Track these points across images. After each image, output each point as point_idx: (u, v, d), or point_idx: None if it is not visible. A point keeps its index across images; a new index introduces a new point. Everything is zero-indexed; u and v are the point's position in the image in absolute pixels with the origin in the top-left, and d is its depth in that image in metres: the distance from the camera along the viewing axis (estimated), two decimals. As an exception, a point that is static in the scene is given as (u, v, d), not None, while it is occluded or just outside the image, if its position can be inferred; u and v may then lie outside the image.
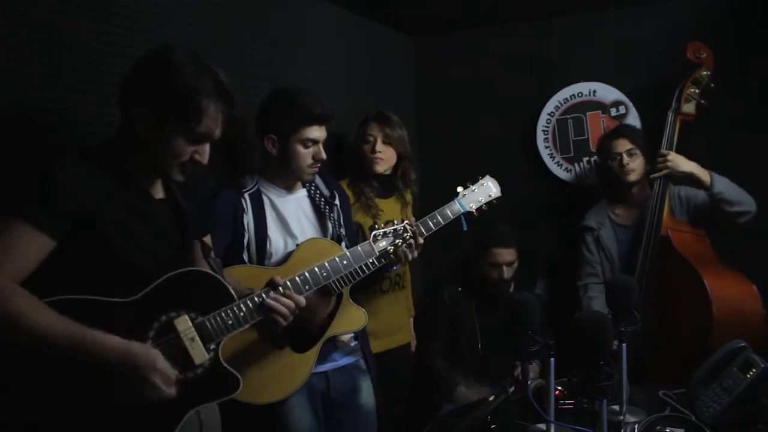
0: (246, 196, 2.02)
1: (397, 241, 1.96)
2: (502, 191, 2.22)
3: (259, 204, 2.04)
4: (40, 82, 1.68)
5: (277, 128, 2.03)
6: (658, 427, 1.69)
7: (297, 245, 2.03)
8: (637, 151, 2.68)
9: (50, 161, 1.38)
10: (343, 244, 2.14)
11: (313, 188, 2.18)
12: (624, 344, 1.73)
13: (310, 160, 2.03)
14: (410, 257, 2.02)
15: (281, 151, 2.03)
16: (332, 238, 2.13)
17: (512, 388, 1.83)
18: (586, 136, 3.30)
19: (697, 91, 2.64)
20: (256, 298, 1.62)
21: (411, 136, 2.77)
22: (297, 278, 1.74)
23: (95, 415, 1.36)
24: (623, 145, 2.69)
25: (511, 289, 2.86)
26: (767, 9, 2.86)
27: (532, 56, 3.40)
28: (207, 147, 1.47)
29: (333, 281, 1.95)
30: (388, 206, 2.68)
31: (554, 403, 1.64)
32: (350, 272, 1.94)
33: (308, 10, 2.79)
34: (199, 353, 1.46)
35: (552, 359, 1.59)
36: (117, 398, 1.36)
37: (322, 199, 2.17)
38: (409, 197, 2.79)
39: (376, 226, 1.97)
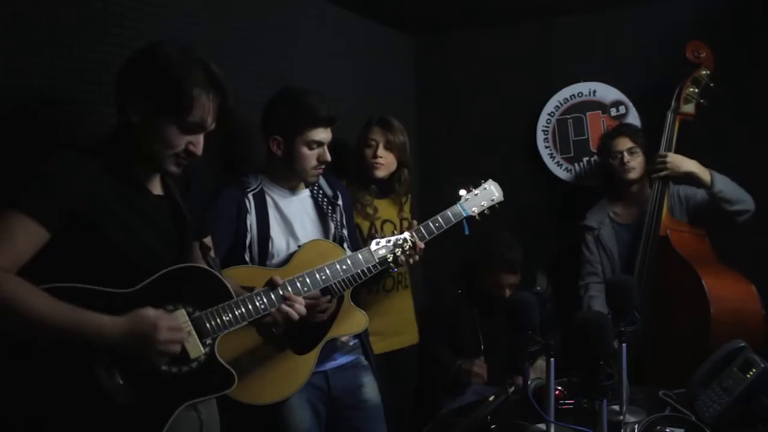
0: (250, 196, 2.02)
1: (396, 250, 1.96)
2: (488, 180, 2.21)
3: (262, 204, 2.04)
4: (40, 82, 1.68)
5: (283, 129, 2.02)
6: (658, 427, 1.68)
7: (299, 246, 2.03)
8: (638, 150, 2.69)
9: (48, 153, 1.39)
10: (345, 245, 2.14)
11: (316, 188, 2.18)
12: (624, 344, 1.73)
13: (314, 162, 2.03)
14: (411, 261, 2.02)
15: (286, 152, 2.03)
16: (334, 239, 2.13)
17: (512, 388, 1.83)
18: (586, 136, 3.30)
19: (696, 90, 2.64)
20: (255, 297, 1.63)
21: (411, 136, 2.77)
22: (296, 281, 1.74)
23: (87, 407, 1.36)
24: (624, 144, 2.70)
25: None
26: (767, 8, 2.86)
27: (532, 56, 3.40)
28: (201, 138, 1.48)
29: (335, 284, 1.95)
30: (384, 207, 2.69)
31: (554, 403, 1.64)
32: (351, 276, 1.95)
33: (308, 10, 2.79)
34: (195, 347, 1.46)
35: (552, 359, 1.59)
36: (117, 380, 1.36)
37: (325, 200, 2.17)
38: (405, 202, 2.79)
39: (375, 234, 1.98)
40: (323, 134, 2.03)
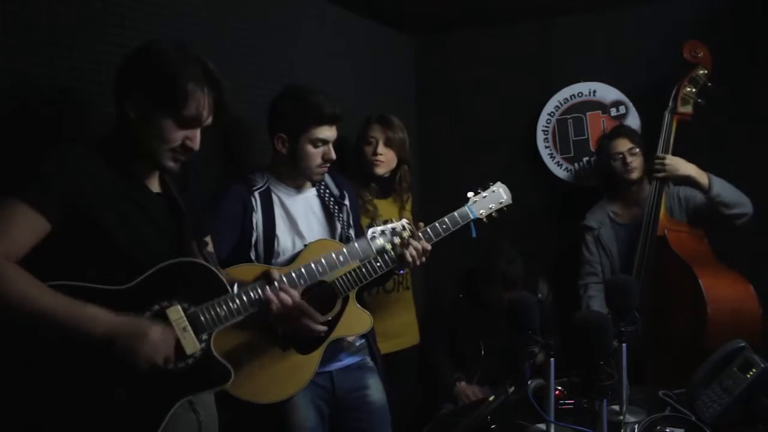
0: (256, 194, 2.02)
1: (395, 238, 1.94)
2: (496, 183, 2.18)
3: (268, 203, 2.04)
4: (40, 82, 1.68)
5: (288, 127, 2.02)
6: (658, 427, 1.68)
7: (305, 245, 2.03)
8: (637, 150, 2.70)
9: (49, 148, 1.40)
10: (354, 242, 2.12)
11: (322, 188, 2.17)
12: (624, 344, 1.72)
13: (319, 160, 2.03)
14: (418, 262, 1.99)
15: (291, 150, 2.03)
16: (340, 239, 2.12)
17: (512, 388, 1.83)
18: (586, 136, 3.30)
19: (694, 90, 2.63)
20: (250, 291, 1.62)
21: (411, 136, 2.78)
22: (292, 273, 1.74)
23: (83, 404, 1.36)
24: (623, 145, 2.71)
25: None
26: (767, 8, 2.86)
27: (532, 56, 3.39)
28: (197, 133, 1.48)
29: (340, 284, 1.96)
30: (385, 207, 2.69)
31: (554, 403, 1.63)
32: (357, 276, 1.95)
33: (308, 10, 2.79)
34: (191, 343, 1.46)
35: (552, 359, 1.59)
36: (113, 373, 1.36)
37: (332, 199, 2.16)
38: (407, 200, 2.79)
39: (374, 224, 1.97)
40: (328, 132, 2.02)
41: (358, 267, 1.97)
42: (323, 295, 1.96)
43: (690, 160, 2.56)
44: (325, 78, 2.82)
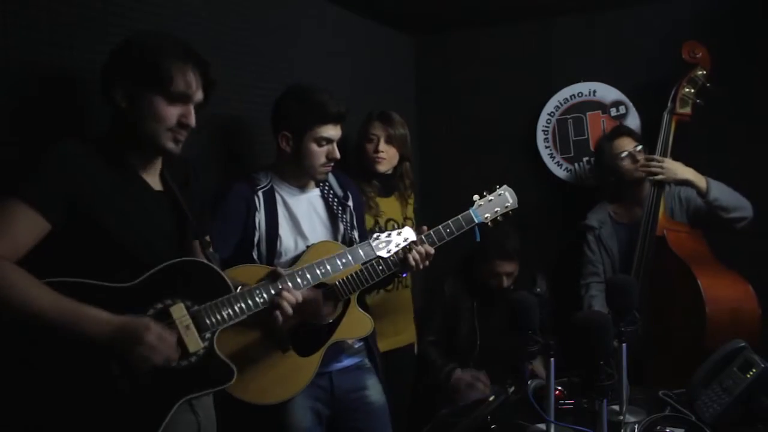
0: (259, 193, 2.02)
1: (398, 250, 1.92)
2: (503, 186, 2.16)
3: (271, 202, 2.03)
4: (40, 82, 1.68)
5: (292, 126, 2.02)
6: (658, 427, 1.69)
7: (307, 246, 2.03)
8: (640, 147, 2.69)
9: (50, 145, 1.40)
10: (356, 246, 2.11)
11: (326, 188, 2.17)
12: (624, 344, 1.72)
13: (323, 159, 2.03)
14: (421, 266, 1.99)
15: (295, 149, 2.02)
16: (343, 240, 2.12)
17: (512, 388, 1.83)
18: (586, 136, 3.30)
19: (692, 91, 2.63)
20: (254, 291, 1.62)
21: (411, 136, 2.77)
22: (296, 275, 1.74)
23: (85, 402, 1.36)
24: (629, 143, 2.71)
25: (511, 287, 2.87)
26: (767, 8, 2.86)
27: (532, 56, 3.40)
28: (191, 108, 1.50)
29: (341, 287, 1.95)
30: (389, 205, 2.68)
31: (554, 403, 1.64)
32: (359, 279, 1.95)
33: (308, 10, 2.79)
34: (194, 341, 1.46)
35: (552, 359, 1.59)
36: (115, 372, 1.37)
37: (335, 200, 2.16)
38: (410, 197, 2.79)
39: (378, 229, 1.96)
40: (332, 131, 2.02)
41: (360, 270, 1.96)
42: (324, 297, 1.96)
43: (689, 160, 2.56)
44: (325, 78, 2.82)
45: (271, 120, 2.09)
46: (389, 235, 1.91)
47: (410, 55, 3.68)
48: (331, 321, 1.99)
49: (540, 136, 3.38)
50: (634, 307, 1.73)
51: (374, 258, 1.90)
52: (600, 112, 3.27)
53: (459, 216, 2.06)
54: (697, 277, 2.32)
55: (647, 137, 2.76)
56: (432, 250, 2.00)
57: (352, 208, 2.20)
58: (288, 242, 2.03)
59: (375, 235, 1.90)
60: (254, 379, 1.88)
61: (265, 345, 1.92)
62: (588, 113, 3.29)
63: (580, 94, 3.30)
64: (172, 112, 1.47)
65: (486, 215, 2.09)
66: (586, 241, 2.81)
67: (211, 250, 1.63)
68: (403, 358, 2.75)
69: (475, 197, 2.10)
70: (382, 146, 2.58)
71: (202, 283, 1.52)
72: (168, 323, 1.43)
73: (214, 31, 2.24)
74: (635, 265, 2.55)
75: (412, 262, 1.96)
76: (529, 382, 1.74)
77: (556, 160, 3.37)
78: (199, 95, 1.51)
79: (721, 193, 2.47)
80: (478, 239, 2.11)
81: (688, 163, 2.55)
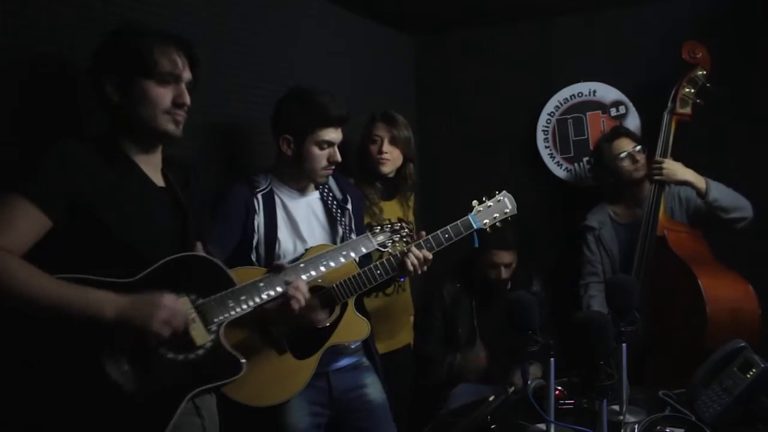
0: (259, 196, 2.02)
1: (395, 237, 1.96)
2: (502, 192, 2.16)
3: (271, 205, 2.03)
4: (40, 82, 1.68)
5: (293, 129, 2.01)
6: (658, 427, 1.69)
7: (306, 249, 2.03)
8: (639, 147, 2.70)
9: (50, 145, 1.41)
10: None
11: (326, 191, 2.17)
12: (624, 344, 1.72)
13: (324, 162, 2.03)
14: (419, 271, 1.99)
15: (296, 152, 2.02)
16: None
17: (512, 388, 1.83)
18: (586, 136, 3.30)
19: (692, 91, 2.63)
20: (258, 284, 1.63)
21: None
22: (299, 268, 1.76)
23: (93, 397, 1.35)
24: (627, 144, 2.71)
25: (508, 287, 2.90)
26: (766, 8, 2.86)
27: (532, 56, 3.40)
28: (182, 87, 1.50)
29: (338, 290, 1.96)
30: (391, 208, 2.69)
31: (554, 403, 1.64)
32: (356, 282, 1.96)
33: (308, 10, 2.79)
34: (201, 334, 1.46)
35: (552, 359, 1.59)
36: (124, 365, 1.36)
37: (335, 203, 2.16)
38: (410, 197, 2.79)
39: (374, 223, 1.97)
40: (334, 134, 2.02)
41: (358, 274, 1.97)
42: (322, 301, 1.97)
43: (689, 160, 2.56)
44: (325, 78, 2.82)
45: (272, 123, 2.08)
46: (383, 228, 1.97)
47: (410, 55, 3.68)
48: (327, 324, 1.99)
49: (540, 136, 3.38)
50: (634, 307, 1.73)
51: (373, 249, 1.93)
52: (600, 112, 3.27)
53: (458, 222, 2.05)
54: (697, 277, 2.33)
55: (647, 137, 2.76)
56: (430, 256, 2.00)
57: (351, 211, 2.19)
58: (287, 245, 2.03)
59: (370, 231, 1.96)
60: (250, 381, 1.87)
61: (262, 347, 1.92)
62: (588, 113, 3.29)
63: (580, 94, 3.30)
64: (164, 94, 1.47)
65: (485, 221, 2.09)
66: (585, 241, 2.81)
67: (210, 246, 1.64)
68: (400, 359, 2.75)
69: (474, 203, 2.10)
70: (386, 147, 2.58)
71: (205, 277, 1.52)
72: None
73: (214, 31, 2.24)
74: (635, 265, 2.56)
75: (410, 267, 1.97)
76: (529, 382, 1.74)
77: (556, 160, 3.37)
78: (187, 74, 1.52)
79: (721, 193, 2.47)
80: (477, 245, 2.12)
81: (688, 164, 2.55)
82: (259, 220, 2.00)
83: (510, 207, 2.13)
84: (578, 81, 3.29)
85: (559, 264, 3.13)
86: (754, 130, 2.89)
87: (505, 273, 2.81)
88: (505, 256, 2.79)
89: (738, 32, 2.91)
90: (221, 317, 1.51)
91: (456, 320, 2.89)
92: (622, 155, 2.69)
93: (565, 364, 1.66)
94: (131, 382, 1.37)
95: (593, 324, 1.48)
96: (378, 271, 1.97)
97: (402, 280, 2.20)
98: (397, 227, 1.99)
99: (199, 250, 1.63)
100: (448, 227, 2.04)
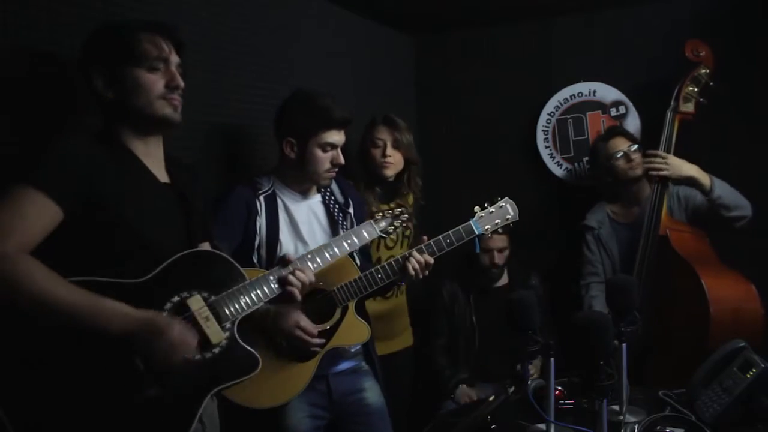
0: (261, 198, 2.02)
1: (396, 222, 1.99)
2: (502, 192, 2.17)
3: (273, 207, 2.03)
4: (40, 82, 1.68)
5: (296, 131, 2.01)
6: (658, 427, 1.69)
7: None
8: (636, 147, 2.69)
9: (62, 138, 1.41)
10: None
11: (327, 195, 2.17)
12: (624, 344, 1.72)
13: (328, 165, 2.03)
14: (420, 275, 1.99)
15: (299, 155, 2.02)
16: None
17: (512, 388, 1.83)
18: (586, 136, 3.30)
19: (695, 89, 2.62)
20: (268, 277, 1.64)
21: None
22: (306, 258, 1.79)
23: (114, 399, 1.34)
24: (623, 143, 2.71)
25: (504, 277, 2.97)
26: (767, 8, 2.86)
27: (532, 56, 3.40)
28: (173, 69, 1.50)
29: (339, 294, 1.96)
30: None
31: (554, 403, 1.63)
32: (357, 286, 1.96)
33: (308, 10, 2.79)
34: (216, 332, 1.45)
35: (552, 359, 1.59)
36: (140, 369, 1.35)
37: (336, 206, 2.16)
38: (410, 201, 2.79)
39: (374, 209, 1.97)
40: (337, 136, 2.02)
41: (359, 278, 1.97)
42: (322, 303, 1.97)
43: (691, 159, 2.55)
44: (325, 78, 2.82)
45: (275, 126, 2.08)
46: (384, 214, 2.01)
47: (410, 55, 3.68)
48: (328, 327, 1.99)
49: (540, 136, 3.38)
50: (634, 307, 1.73)
51: (376, 236, 1.97)
52: (600, 112, 3.27)
53: (459, 227, 2.05)
54: (700, 277, 2.32)
55: (647, 137, 2.77)
56: (431, 260, 2.01)
57: (352, 215, 2.19)
58: (288, 247, 2.03)
59: (375, 216, 2.00)
60: (251, 383, 1.87)
61: (262, 349, 1.91)
62: (588, 113, 3.29)
63: (580, 94, 3.30)
64: (155, 80, 1.47)
65: (486, 227, 2.08)
66: (585, 241, 2.82)
67: (215, 243, 1.65)
68: (400, 361, 2.75)
69: (477, 209, 2.09)
70: (389, 151, 2.58)
71: (215, 273, 1.52)
72: (186, 316, 1.42)
73: (214, 31, 2.24)
74: (637, 264, 2.55)
75: (411, 271, 1.97)
76: (529, 382, 1.74)
77: (556, 160, 3.37)
78: (174, 57, 1.51)
79: (724, 191, 2.47)
80: (478, 250, 2.15)
81: (690, 162, 2.55)
82: (261, 221, 2.00)
83: (512, 213, 2.14)
84: (578, 81, 3.29)
85: (558, 264, 3.13)
86: (755, 129, 2.89)
87: (498, 258, 2.86)
88: (498, 241, 2.84)
89: (738, 32, 2.91)
90: (235, 313, 1.51)
91: (455, 321, 2.91)
92: (618, 154, 2.69)
93: (565, 364, 1.66)
94: (149, 383, 1.36)
95: (593, 324, 1.48)
96: (379, 275, 1.98)
97: (402, 284, 2.21)
98: (398, 212, 2.01)
99: (205, 243, 1.64)
100: (449, 232, 2.04)
